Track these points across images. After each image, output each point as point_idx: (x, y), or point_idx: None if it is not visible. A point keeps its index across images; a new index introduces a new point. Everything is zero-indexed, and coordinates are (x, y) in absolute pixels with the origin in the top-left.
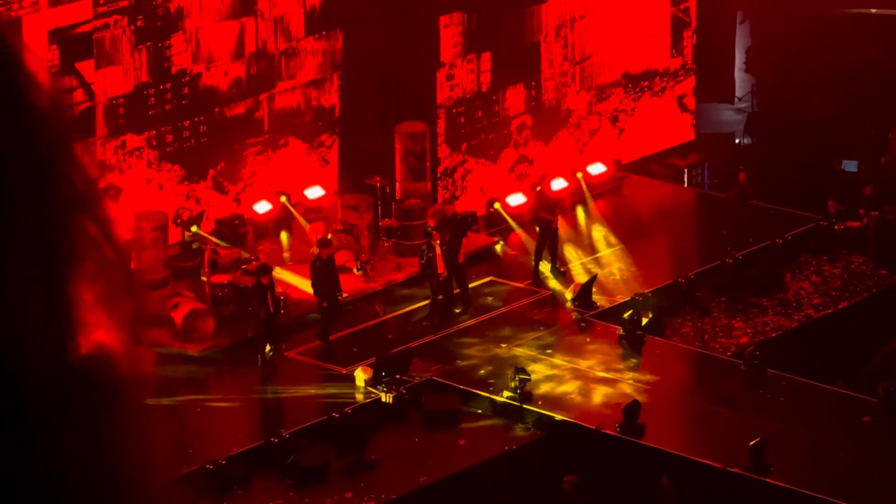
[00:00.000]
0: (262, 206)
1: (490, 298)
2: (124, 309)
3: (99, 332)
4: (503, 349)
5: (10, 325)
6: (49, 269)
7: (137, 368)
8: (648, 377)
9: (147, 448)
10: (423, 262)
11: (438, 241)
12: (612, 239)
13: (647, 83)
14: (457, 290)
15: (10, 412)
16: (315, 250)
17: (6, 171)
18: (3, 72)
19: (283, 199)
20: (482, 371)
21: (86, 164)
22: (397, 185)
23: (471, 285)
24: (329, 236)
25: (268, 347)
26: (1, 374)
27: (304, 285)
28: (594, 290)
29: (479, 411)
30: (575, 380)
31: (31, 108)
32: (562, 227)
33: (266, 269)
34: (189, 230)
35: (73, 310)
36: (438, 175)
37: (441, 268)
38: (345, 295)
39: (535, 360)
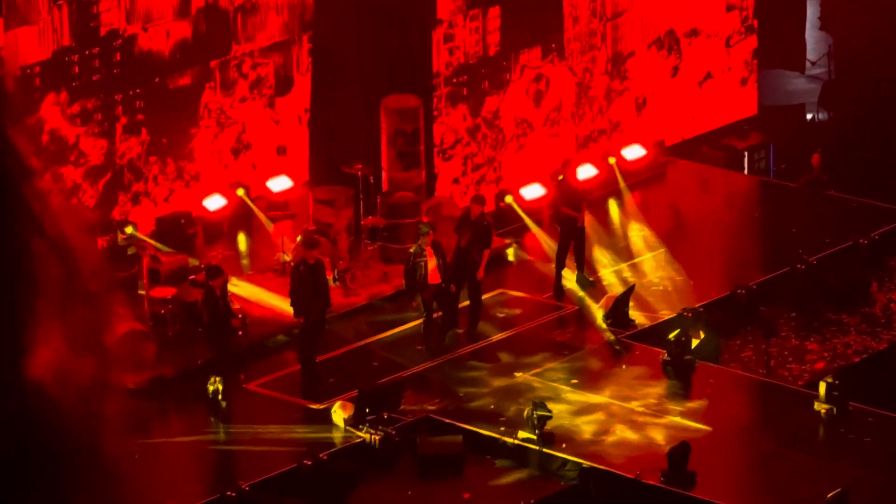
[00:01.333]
0: (215, 202)
1: (501, 315)
2: (80, 326)
3: (54, 352)
4: (517, 379)
5: None
6: (9, 289)
7: (94, 393)
8: (700, 413)
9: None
10: (408, 267)
11: (432, 243)
12: (654, 240)
13: (696, 45)
14: (464, 304)
15: None
16: (283, 257)
17: None
18: None
19: (240, 192)
20: (491, 406)
21: (36, 175)
22: (383, 174)
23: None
24: (298, 238)
25: (214, 382)
26: None
27: (268, 299)
28: (631, 304)
29: (488, 457)
30: (608, 417)
31: None
32: (589, 225)
33: (217, 273)
34: (123, 231)
35: (30, 329)
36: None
37: (432, 277)
38: (331, 310)
39: (558, 392)
